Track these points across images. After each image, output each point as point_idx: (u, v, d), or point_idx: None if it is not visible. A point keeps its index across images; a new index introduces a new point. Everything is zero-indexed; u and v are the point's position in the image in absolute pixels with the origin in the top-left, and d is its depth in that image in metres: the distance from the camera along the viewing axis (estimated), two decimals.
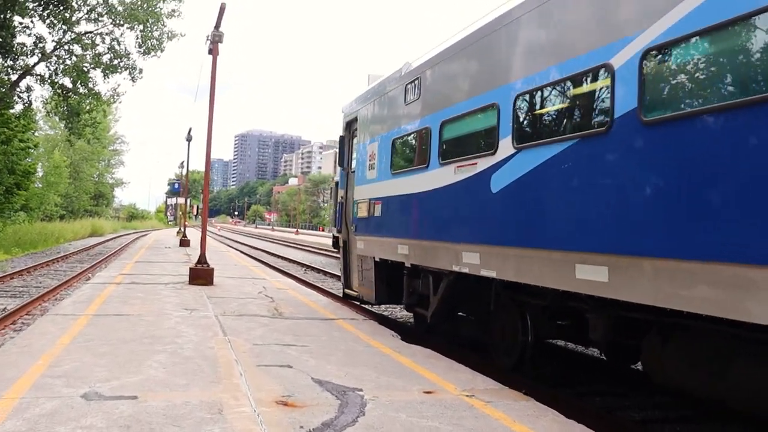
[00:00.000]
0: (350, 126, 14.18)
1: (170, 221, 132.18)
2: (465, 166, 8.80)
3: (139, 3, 33.99)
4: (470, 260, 8.59)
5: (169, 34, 35.05)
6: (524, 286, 7.80)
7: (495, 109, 8.15)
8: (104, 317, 10.51)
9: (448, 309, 10.52)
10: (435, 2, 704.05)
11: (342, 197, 14.42)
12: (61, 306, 11.93)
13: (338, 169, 14.92)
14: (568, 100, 7.15)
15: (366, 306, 15.57)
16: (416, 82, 10.57)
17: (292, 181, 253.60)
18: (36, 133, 62.10)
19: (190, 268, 16.57)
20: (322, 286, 20.70)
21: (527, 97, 7.69)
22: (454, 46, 9.58)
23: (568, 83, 7.01)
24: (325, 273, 27.17)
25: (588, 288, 6.42)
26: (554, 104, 7.43)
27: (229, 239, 65.88)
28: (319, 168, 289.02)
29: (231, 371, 7.18)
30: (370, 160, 12.44)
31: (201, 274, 16.20)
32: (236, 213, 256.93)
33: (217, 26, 16.40)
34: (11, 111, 38.52)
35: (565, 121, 7.13)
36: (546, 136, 7.30)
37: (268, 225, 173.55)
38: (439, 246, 9.60)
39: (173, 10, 34.74)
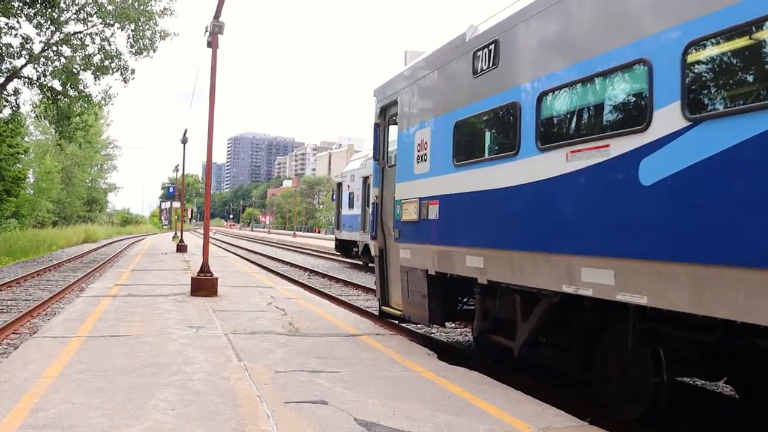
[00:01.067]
0: (386, 111, 11.87)
1: (165, 225, 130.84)
2: (586, 151, 6.47)
3: (131, 1, 32.73)
4: (596, 279, 6.33)
5: (162, 33, 33.77)
6: (665, 315, 5.89)
7: (644, 68, 5.87)
8: (99, 339, 9.19)
9: (539, 338, 8.37)
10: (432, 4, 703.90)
11: (376, 197, 12.13)
12: (51, 325, 10.58)
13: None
14: None
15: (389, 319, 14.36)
16: (492, 47, 8.27)
17: (287, 184, 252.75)
18: (26, 139, 60.77)
19: (192, 278, 15.25)
20: (331, 293, 19.45)
21: (712, 43, 5.30)
22: None
23: None
24: (330, 278, 26.06)
25: None
26: None
27: (225, 243, 64.46)
28: (314, 170, 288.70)
29: (255, 412, 5.88)
30: (419, 151, 10.11)
31: (204, 285, 14.89)
32: (231, 216, 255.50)
33: (217, 15, 15.09)
34: None
35: None
36: (757, 98, 4.90)
37: (264, 228, 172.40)
38: (538, 258, 7.24)
39: (166, 9, 33.47)
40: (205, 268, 15.22)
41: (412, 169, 10.36)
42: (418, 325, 13.59)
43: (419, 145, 10.16)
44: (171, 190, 77.00)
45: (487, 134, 8.76)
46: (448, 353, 10.18)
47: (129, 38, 32.77)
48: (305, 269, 30.46)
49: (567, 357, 8.01)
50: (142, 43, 32.91)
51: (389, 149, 11.94)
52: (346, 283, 23.92)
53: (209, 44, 15.31)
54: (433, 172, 9.68)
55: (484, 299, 9.01)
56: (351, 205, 33.17)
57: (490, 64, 8.32)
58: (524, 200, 7.50)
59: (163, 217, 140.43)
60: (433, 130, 9.76)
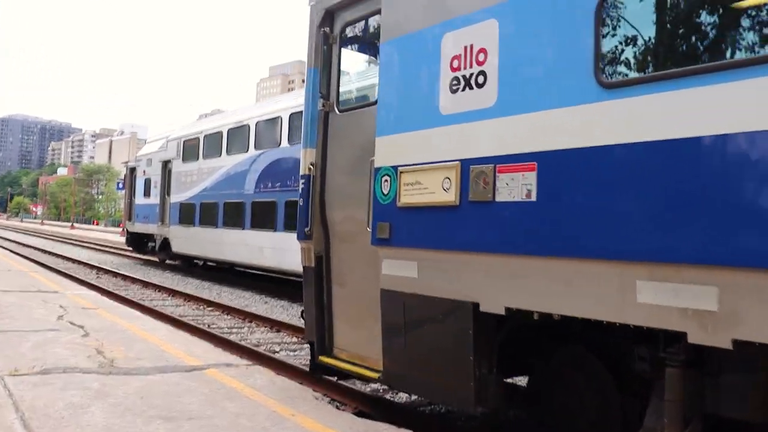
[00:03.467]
0: (338, 17, 7.04)
1: None
2: None
3: None
4: None
5: None
6: None
7: None
8: None
9: None
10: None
11: (312, 166, 7.07)
12: None
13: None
14: None
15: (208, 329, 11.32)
16: None
17: (62, 171, 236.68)
18: None
19: None
20: (132, 298, 15.92)
21: None
22: None
23: None
24: (125, 277, 22.36)
25: None
26: None
27: None
28: (92, 158, 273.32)
29: None
30: (459, 69, 5.26)
31: None
32: None
33: None
34: None
35: None
36: None
37: (36, 218, 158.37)
38: None
39: None
40: None
41: (436, 103, 5.52)
42: (265, 345, 10.44)
43: (457, 57, 5.37)
44: None
45: None
46: (334, 391, 7.43)
47: None
48: (92, 266, 26.21)
49: None
50: None
51: (341, 81, 7.11)
52: (146, 284, 20.41)
53: None
54: (517, 105, 4.84)
55: (690, 376, 4.06)
56: (147, 193, 29.59)
57: None
58: None
59: None
60: (512, 23, 4.92)
